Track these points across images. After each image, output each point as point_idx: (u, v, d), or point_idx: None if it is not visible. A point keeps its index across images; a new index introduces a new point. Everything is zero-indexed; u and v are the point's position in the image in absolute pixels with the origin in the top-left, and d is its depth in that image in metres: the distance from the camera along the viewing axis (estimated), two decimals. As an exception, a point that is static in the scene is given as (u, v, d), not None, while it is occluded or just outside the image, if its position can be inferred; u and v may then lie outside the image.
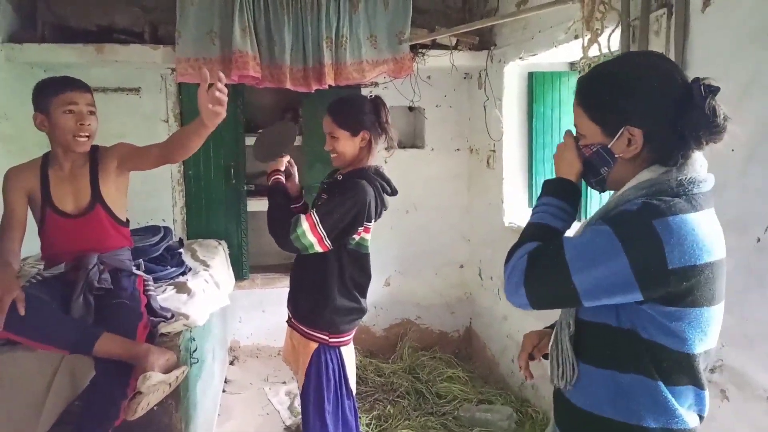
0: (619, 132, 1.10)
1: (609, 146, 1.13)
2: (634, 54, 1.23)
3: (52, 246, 2.12)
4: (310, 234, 1.92)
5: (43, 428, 1.93)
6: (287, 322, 2.22)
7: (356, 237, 2.03)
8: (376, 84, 3.92)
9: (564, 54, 3.10)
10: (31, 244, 2.18)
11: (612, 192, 1.21)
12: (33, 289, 1.95)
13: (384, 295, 4.17)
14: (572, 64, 3.45)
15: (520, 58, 3.22)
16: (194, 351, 2.32)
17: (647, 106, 1.08)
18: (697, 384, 1.09)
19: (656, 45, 2.04)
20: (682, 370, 1.07)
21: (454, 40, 3.56)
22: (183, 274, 2.74)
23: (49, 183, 2.10)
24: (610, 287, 1.03)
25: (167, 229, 2.89)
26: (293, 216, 1.97)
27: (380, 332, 4.21)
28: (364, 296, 2.12)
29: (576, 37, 2.53)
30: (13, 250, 2.00)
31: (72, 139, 2.03)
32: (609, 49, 2.27)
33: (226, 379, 3.64)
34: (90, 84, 2.14)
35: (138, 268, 2.32)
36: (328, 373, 2.04)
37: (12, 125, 3.15)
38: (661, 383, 1.07)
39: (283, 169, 2.18)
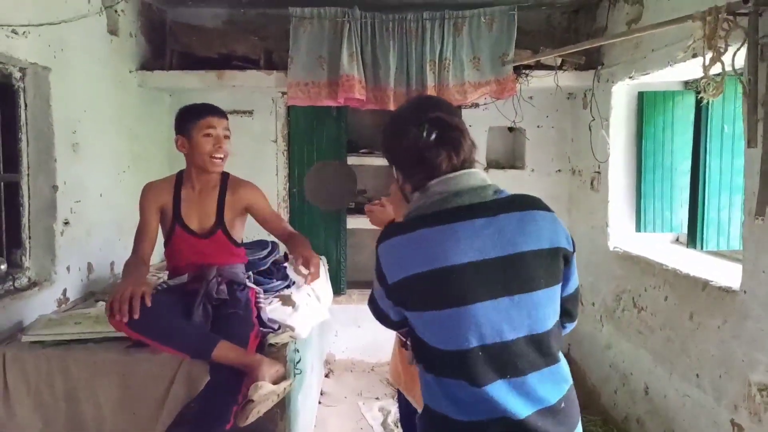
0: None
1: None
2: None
3: (177, 258, 2.31)
4: None
5: (162, 427, 2.09)
6: (402, 346, 2.20)
7: None
8: (477, 105, 3.92)
9: (679, 73, 2.95)
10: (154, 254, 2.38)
11: None
12: (160, 295, 2.12)
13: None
14: (687, 83, 3.27)
15: (630, 77, 3.10)
16: (298, 362, 2.41)
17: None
18: (468, 378, 1.16)
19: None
20: (443, 364, 1.20)
21: (559, 60, 3.49)
22: (288, 287, 2.86)
23: (181, 201, 2.29)
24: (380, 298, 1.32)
25: (274, 244, 3.03)
26: None
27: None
28: None
29: (695, 56, 2.40)
30: (146, 255, 2.20)
31: (209, 159, 2.22)
32: (733, 67, 2.13)
33: (321, 391, 3.73)
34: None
35: (248, 280, 2.46)
36: None
37: (140, 144, 3.46)
38: (431, 375, 1.23)
39: (394, 216, 2.10)
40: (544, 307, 1.21)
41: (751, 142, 2.04)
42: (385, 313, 1.33)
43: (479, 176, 1.27)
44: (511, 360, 1.17)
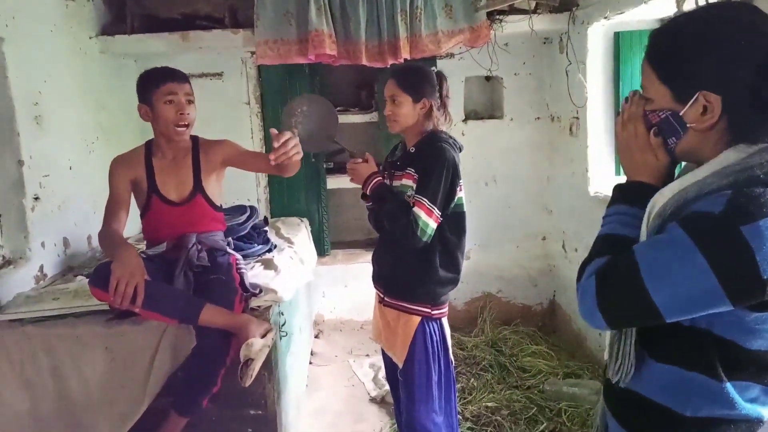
0: (694, 97, 0.94)
1: (680, 113, 0.97)
2: (718, 5, 0.98)
3: (155, 230, 2.26)
4: (430, 220, 1.93)
5: (149, 397, 2.09)
6: (380, 302, 2.22)
7: (455, 198, 2.02)
8: (452, 55, 3.84)
9: (654, 10, 2.89)
10: (128, 225, 2.33)
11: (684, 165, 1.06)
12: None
13: (465, 269, 4.11)
14: (662, 21, 3.22)
15: (606, 17, 3.04)
16: (283, 325, 2.41)
17: (727, 68, 0.91)
18: (764, 383, 0.98)
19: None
20: (751, 367, 0.97)
21: (533, 4, 3.41)
22: (269, 251, 2.85)
23: (155, 172, 2.22)
24: (696, 303, 0.92)
25: (253, 208, 3.00)
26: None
27: (461, 306, 4.20)
28: (462, 259, 2.11)
29: (669, -9, 2.35)
30: (120, 229, 2.14)
31: (172, 128, 2.15)
32: (707, 0, 2.09)
33: (312, 351, 3.77)
34: (177, 71, 2.23)
35: (228, 247, 2.43)
36: (434, 345, 2.06)
37: (108, 115, 3.36)
38: (727, 384, 0.97)
39: (377, 169, 2.12)
40: None
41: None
42: (658, 307, 0.94)
43: None
44: None
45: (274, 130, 1.83)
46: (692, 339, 0.99)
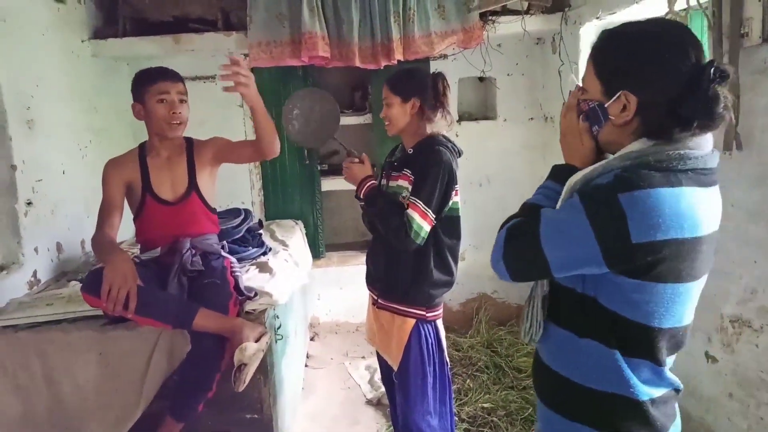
0: (617, 95, 1.07)
1: (605, 105, 1.10)
2: (658, 21, 1.11)
3: (149, 231, 2.25)
4: (424, 223, 1.92)
5: (145, 402, 2.08)
6: (374, 304, 2.22)
7: (449, 203, 2.02)
8: (446, 56, 3.85)
9: (645, 10, 2.90)
10: (123, 230, 2.32)
11: None
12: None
13: (459, 270, 4.08)
14: (655, 21, 3.23)
15: (598, 17, 3.05)
16: (278, 328, 2.41)
17: (651, 76, 1.03)
18: (654, 359, 1.09)
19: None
20: (639, 342, 1.08)
21: (525, 5, 3.42)
22: (264, 254, 2.84)
23: (149, 171, 2.22)
24: (577, 260, 1.05)
25: (247, 212, 2.99)
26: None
27: (456, 307, 4.20)
28: (456, 262, 2.12)
29: (660, -9, 2.36)
30: (114, 233, 2.13)
31: (165, 125, 2.15)
32: (698, 1, 2.11)
33: (307, 354, 3.76)
34: (170, 74, 2.22)
35: (222, 250, 2.42)
36: (428, 348, 2.06)
37: (101, 117, 3.34)
38: (617, 352, 1.08)
39: (372, 172, 2.12)
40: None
41: (717, 77, 2.03)
42: (548, 261, 1.08)
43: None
44: (683, 342, 1.14)
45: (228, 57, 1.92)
46: (583, 306, 1.12)
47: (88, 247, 3.02)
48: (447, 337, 3.78)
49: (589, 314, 1.11)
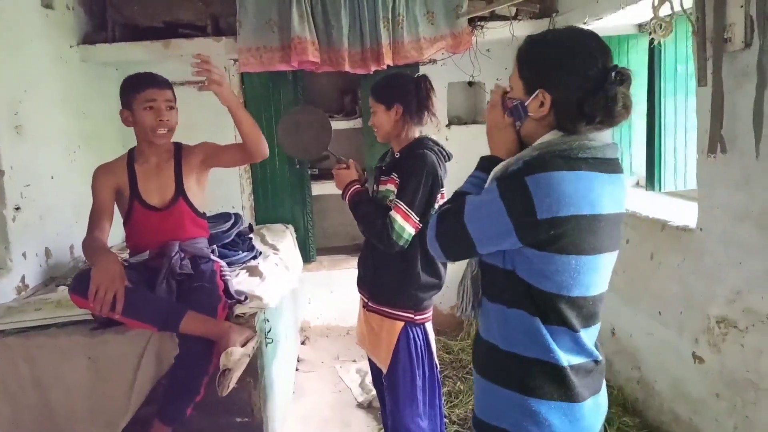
0: (535, 93, 1.21)
1: (525, 103, 1.23)
2: (574, 30, 1.26)
3: (138, 237, 2.25)
4: (407, 225, 1.93)
5: (134, 406, 2.07)
6: (364, 307, 2.23)
7: (435, 206, 2.03)
8: (435, 61, 3.87)
9: (631, 15, 2.95)
10: (113, 235, 2.32)
11: None
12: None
13: (449, 274, 4.12)
14: (640, 27, 3.28)
15: (585, 23, 3.09)
16: (269, 331, 2.41)
17: (564, 78, 1.18)
18: (570, 326, 1.20)
19: (733, 2, 1.91)
20: (553, 310, 1.19)
21: (513, 10, 3.46)
22: (254, 258, 2.84)
23: (137, 177, 2.22)
24: (495, 236, 1.20)
25: (237, 216, 2.99)
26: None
27: (447, 310, 4.20)
28: (445, 265, 2.13)
29: (645, -3, 2.39)
30: (104, 238, 2.13)
31: (152, 133, 2.15)
32: (682, 6, 2.14)
33: (298, 358, 3.76)
34: (159, 79, 2.22)
35: (212, 254, 2.42)
36: (417, 350, 2.07)
37: (90, 123, 3.33)
38: (537, 319, 1.20)
39: (357, 177, 2.15)
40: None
41: (701, 81, 2.06)
42: (472, 238, 1.22)
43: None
44: (598, 312, 1.27)
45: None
46: (506, 280, 1.24)
47: (77, 252, 3.01)
48: (437, 340, 3.82)
49: (511, 287, 1.24)
